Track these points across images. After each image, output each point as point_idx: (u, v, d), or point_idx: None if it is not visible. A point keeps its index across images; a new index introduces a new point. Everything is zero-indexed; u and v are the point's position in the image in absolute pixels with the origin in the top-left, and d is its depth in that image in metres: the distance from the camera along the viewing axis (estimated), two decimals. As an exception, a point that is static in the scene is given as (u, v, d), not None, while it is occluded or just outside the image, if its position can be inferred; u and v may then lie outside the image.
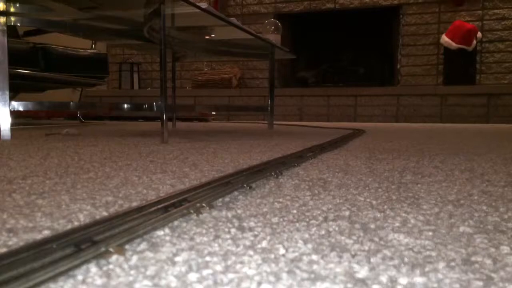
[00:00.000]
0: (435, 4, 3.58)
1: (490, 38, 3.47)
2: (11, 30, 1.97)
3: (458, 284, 0.28)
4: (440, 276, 0.29)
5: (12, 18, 1.60)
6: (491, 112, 3.30)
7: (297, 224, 0.41)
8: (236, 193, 0.56)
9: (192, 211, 0.44)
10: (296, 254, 0.33)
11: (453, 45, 3.33)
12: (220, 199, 0.52)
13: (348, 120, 3.61)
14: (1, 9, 1.44)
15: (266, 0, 3.96)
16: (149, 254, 0.33)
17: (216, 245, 0.35)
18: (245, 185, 0.58)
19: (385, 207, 0.49)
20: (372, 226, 0.41)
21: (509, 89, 3.30)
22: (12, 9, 1.53)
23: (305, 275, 0.29)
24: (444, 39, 3.38)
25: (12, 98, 1.49)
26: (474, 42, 3.31)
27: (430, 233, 0.39)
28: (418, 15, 3.62)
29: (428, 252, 0.34)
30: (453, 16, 3.51)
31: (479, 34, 3.35)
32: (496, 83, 3.46)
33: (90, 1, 1.36)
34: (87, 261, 0.30)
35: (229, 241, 0.36)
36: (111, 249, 0.32)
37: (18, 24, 1.90)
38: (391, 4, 3.68)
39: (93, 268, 0.30)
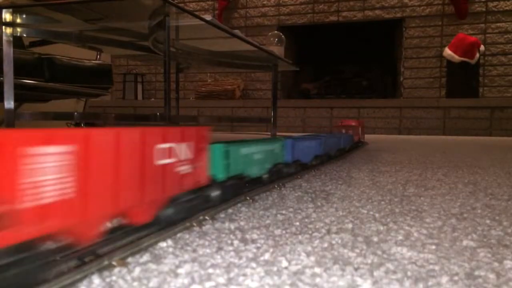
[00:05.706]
0: (437, 17, 3.60)
1: (493, 51, 3.48)
2: (17, 41, 1.99)
3: (462, 299, 0.28)
4: (443, 290, 0.29)
5: (19, 29, 1.61)
6: (494, 125, 3.29)
7: (300, 237, 0.41)
8: (239, 205, 0.56)
9: (194, 224, 0.44)
10: (299, 266, 0.33)
11: (456, 58, 3.34)
12: (223, 211, 0.52)
13: (351, 132, 3.61)
14: (8, 20, 1.46)
15: (269, 13, 3.99)
16: (152, 266, 0.33)
17: (218, 257, 0.35)
18: (247, 198, 0.58)
19: (388, 220, 0.49)
20: (375, 239, 0.41)
21: (512, 102, 3.30)
22: (18, 20, 1.54)
23: (308, 288, 0.29)
24: (447, 52, 3.39)
25: (16, 108, 1.50)
26: (477, 55, 3.32)
27: (433, 247, 0.39)
28: (421, 28, 3.64)
29: (431, 266, 0.34)
30: (455, 29, 3.52)
31: (482, 47, 3.36)
32: (499, 96, 3.46)
33: (96, 13, 1.37)
34: (90, 273, 0.30)
35: (232, 253, 0.36)
36: (114, 263, 0.32)
37: (24, 35, 1.92)
38: (394, 17, 3.70)
39: (96, 279, 0.30)
